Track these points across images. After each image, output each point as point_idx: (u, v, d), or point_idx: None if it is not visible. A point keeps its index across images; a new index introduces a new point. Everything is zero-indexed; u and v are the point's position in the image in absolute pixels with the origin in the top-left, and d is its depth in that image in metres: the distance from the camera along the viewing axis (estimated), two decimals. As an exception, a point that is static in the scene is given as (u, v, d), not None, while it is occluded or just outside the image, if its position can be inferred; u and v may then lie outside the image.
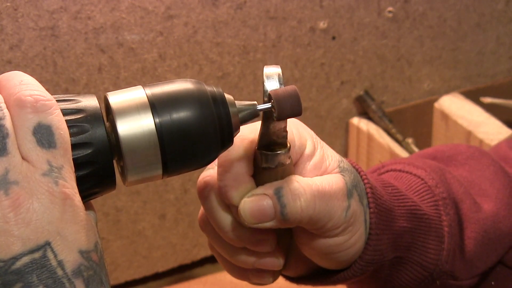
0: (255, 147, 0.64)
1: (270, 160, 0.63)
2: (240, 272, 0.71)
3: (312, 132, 0.68)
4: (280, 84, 0.61)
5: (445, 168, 0.77)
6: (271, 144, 0.63)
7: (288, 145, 0.63)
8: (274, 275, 0.71)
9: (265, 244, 0.67)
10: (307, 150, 0.66)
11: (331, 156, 0.67)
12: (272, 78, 0.61)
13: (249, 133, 0.64)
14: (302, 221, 0.64)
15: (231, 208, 0.65)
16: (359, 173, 0.69)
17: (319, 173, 0.66)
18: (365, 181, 0.69)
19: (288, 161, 0.64)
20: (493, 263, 0.76)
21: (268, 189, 0.63)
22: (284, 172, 0.64)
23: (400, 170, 0.76)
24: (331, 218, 0.65)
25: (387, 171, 0.77)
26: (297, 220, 0.64)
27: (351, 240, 0.67)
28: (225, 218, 0.65)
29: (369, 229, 0.68)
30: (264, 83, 0.61)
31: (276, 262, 0.68)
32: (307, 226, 0.65)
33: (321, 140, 0.68)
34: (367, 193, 0.68)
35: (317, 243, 0.67)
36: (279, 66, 0.62)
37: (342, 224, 0.65)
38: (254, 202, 0.63)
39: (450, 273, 0.73)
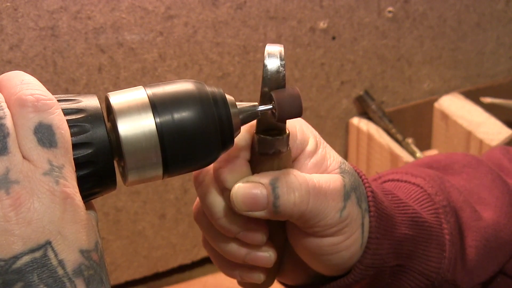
0: (254, 132, 0.63)
1: (267, 145, 0.62)
2: (230, 268, 0.69)
3: (316, 132, 0.67)
4: (281, 61, 0.60)
5: (443, 177, 0.77)
6: (270, 129, 0.62)
7: (287, 131, 0.63)
8: (265, 274, 0.70)
9: (255, 234, 0.66)
10: (309, 147, 0.66)
11: (333, 157, 0.67)
12: (273, 55, 0.60)
13: None
14: (293, 216, 0.63)
15: (224, 192, 0.64)
16: (360, 177, 0.69)
17: (319, 171, 0.66)
18: (366, 185, 0.68)
19: (285, 150, 0.63)
20: (494, 272, 0.75)
21: (264, 178, 0.63)
22: (281, 162, 0.63)
23: (398, 180, 0.75)
24: (323, 217, 0.64)
25: (384, 182, 0.76)
26: (288, 214, 0.63)
27: (345, 242, 0.66)
28: (217, 204, 0.64)
29: (369, 232, 0.68)
30: (265, 61, 0.60)
31: (267, 257, 0.67)
32: (298, 222, 0.65)
33: (324, 141, 0.68)
34: (367, 197, 0.68)
35: (309, 242, 0.66)
36: (282, 45, 0.61)
37: (336, 224, 0.65)
38: (247, 189, 0.62)
39: (452, 282, 0.72)
